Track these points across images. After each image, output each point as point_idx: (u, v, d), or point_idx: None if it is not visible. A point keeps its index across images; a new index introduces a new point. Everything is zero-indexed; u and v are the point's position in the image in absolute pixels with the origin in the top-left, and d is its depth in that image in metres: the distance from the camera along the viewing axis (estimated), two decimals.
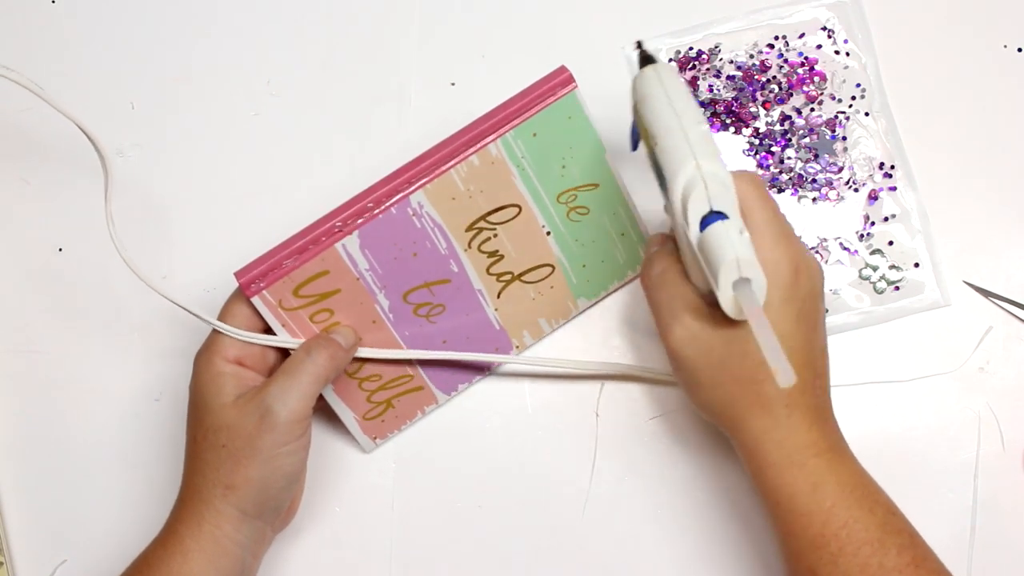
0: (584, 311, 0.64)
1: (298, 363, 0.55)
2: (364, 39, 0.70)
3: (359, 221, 0.56)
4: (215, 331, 0.56)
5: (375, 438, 0.62)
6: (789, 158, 0.64)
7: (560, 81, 0.58)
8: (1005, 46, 0.67)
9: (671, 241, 0.55)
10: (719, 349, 0.52)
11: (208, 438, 0.54)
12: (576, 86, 0.58)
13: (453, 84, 0.68)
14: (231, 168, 0.68)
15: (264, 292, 0.56)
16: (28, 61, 0.70)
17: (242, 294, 0.56)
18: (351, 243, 0.57)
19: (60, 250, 0.67)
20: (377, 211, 0.57)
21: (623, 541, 0.61)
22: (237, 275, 0.56)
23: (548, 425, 0.63)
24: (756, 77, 0.65)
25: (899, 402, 0.62)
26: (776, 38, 0.65)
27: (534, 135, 0.58)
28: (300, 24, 0.70)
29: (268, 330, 0.57)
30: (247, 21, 0.70)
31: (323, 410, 0.61)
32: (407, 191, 0.57)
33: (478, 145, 0.57)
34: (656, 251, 0.55)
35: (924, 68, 0.67)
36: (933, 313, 0.63)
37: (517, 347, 0.63)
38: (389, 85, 0.69)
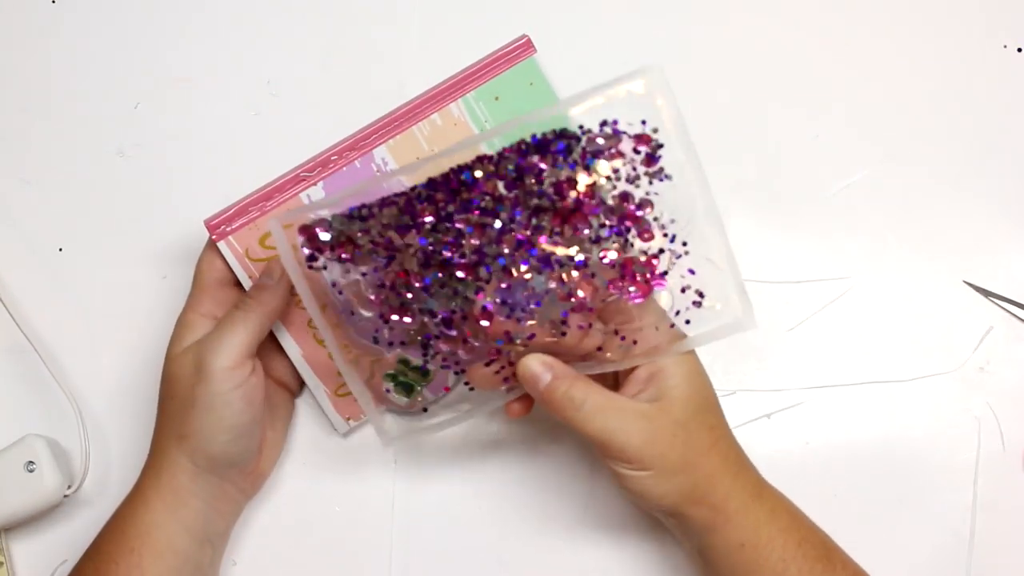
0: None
1: (231, 316, 0.56)
2: (364, 39, 0.70)
3: (324, 172, 0.58)
4: (194, 285, 0.58)
5: (348, 418, 0.61)
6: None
7: (520, 46, 0.59)
8: (1005, 46, 0.67)
9: (566, 366, 0.53)
10: (681, 435, 0.52)
11: (163, 389, 0.57)
12: (535, 51, 0.59)
13: None
14: (231, 168, 0.68)
15: (230, 238, 0.58)
16: (28, 61, 0.70)
17: (214, 246, 0.58)
18: (315, 194, 0.58)
19: (60, 250, 0.67)
20: (341, 163, 0.58)
21: (622, 540, 0.61)
22: (206, 221, 0.57)
23: (548, 425, 0.63)
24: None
25: (899, 402, 0.62)
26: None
27: (496, 99, 0.59)
28: (300, 24, 0.70)
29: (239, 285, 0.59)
30: (247, 21, 0.70)
31: (317, 409, 0.62)
32: (370, 145, 0.58)
33: (439, 104, 0.58)
34: (564, 383, 0.52)
35: (924, 67, 0.67)
36: (933, 313, 0.63)
37: None
38: (389, 85, 0.69)
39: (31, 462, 0.60)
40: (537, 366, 0.52)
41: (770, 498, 0.54)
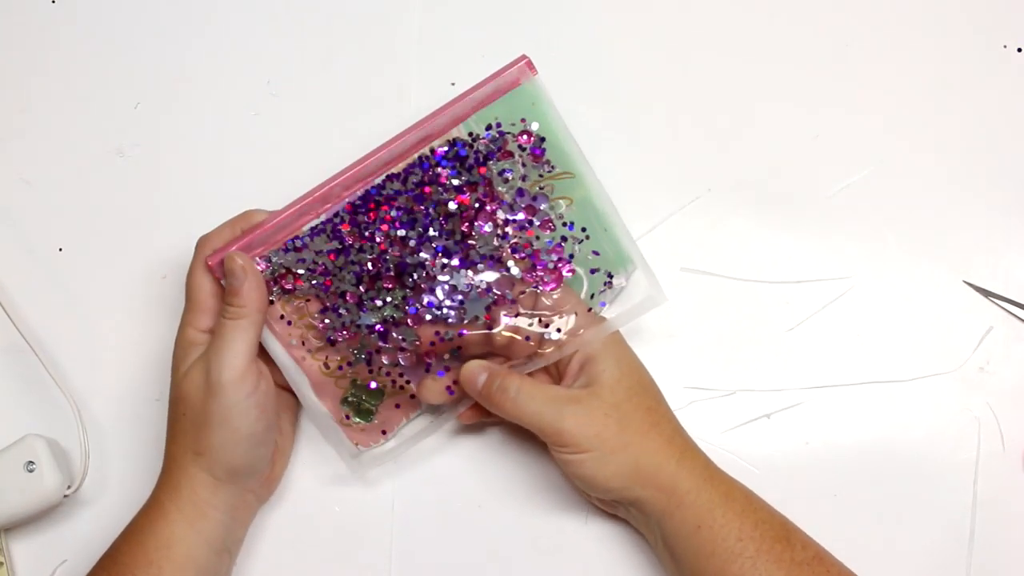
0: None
1: (224, 326, 0.55)
2: (364, 39, 0.70)
3: (327, 206, 0.57)
4: (188, 302, 0.58)
5: (357, 444, 0.61)
6: None
7: (520, 68, 0.57)
8: (1005, 46, 0.67)
9: (496, 365, 0.56)
10: (615, 415, 0.54)
11: (174, 408, 0.57)
12: (536, 74, 0.58)
13: (453, 84, 0.68)
14: (231, 168, 0.68)
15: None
16: (28, 61, 0.70)
17: (202, 261, 0.57)
18: None
19: (60, 250, 0.67)
20: (345, 195, 0.57)
21: (623, 540, 0.61)
22: (207, 258, 0.57)
23: None
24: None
25: (899, 402, 0.62)
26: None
27: (498, 121, 0.58)
28: (300, 24, 0.70)
29: None
30: (247, 21, 0.70)
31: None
32: (373, 177, 0.57)
33: (440, 132, 0.57)
34: (495, 378, 0.55)
35: (924, 67, 0.67)
36: (933, 313, 0.63)
37: None
38: (389, 85, 0.69)
39: (31, 462, 0.60)
40: (475, 369, 0.56)
41: (723, 482, 0.55)
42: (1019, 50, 0.67)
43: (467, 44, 0.69)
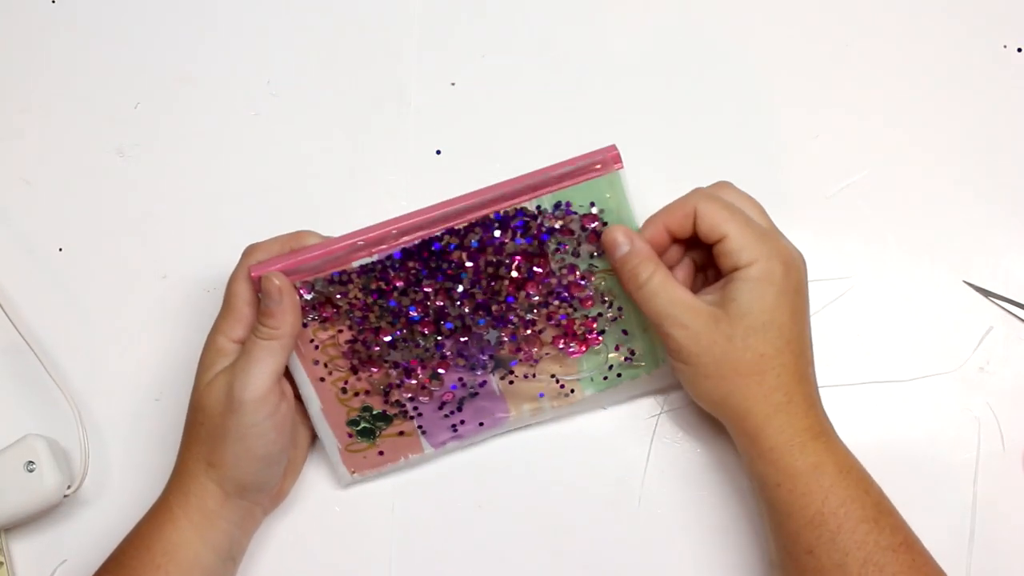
0: (590, 406, 0.62)
1: (254, 345, 0.55)
2: (364, 39, 0.70)
3: (381, 246, 0.56)
4: (225, 308, 0.57)
5: (353, 471, 0.61)
6: None
7: (605, 159, 0.56)
8: (1005, 46, 0.67)
9: (646, 244, 0.56)
10: (721, 344, 0.53)
11: (192, 415, 0.56)
12: (622, 166, 0.56)
13: (453, 84, 0.68)
14: (231, 168, 0.68)
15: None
16: (28, 61, 0.70)
17: (247, 269, 0.56)
18: None
19: (60, 250, 0.67)
20: (404, 240, 0.56)
21: (624, 541, 0.61)
22: (251, 268, 0.56)
23: (547, 424, 0.63)
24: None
25: (899, 402, 0.62)
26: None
27: (568, 203, 0.57)
28: (300, 24, 0.70)
29: None
30: (247, 21, 0.70)
31: None
32: (432, 229, 0.56)
33: (509, 203, 0.56)
34: (635, 257, 0.56)
35: (924, 67, 0.67)
36: (933, 313, 0.63)
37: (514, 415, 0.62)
38: (389, 85, 0.69)
39: (31, 462, 0.60)
40: (620, 236, 0.56)
41: (814, 453, 0.53)
42: (1019, 50, 0.67)
43: (467, 44, 0.69)
